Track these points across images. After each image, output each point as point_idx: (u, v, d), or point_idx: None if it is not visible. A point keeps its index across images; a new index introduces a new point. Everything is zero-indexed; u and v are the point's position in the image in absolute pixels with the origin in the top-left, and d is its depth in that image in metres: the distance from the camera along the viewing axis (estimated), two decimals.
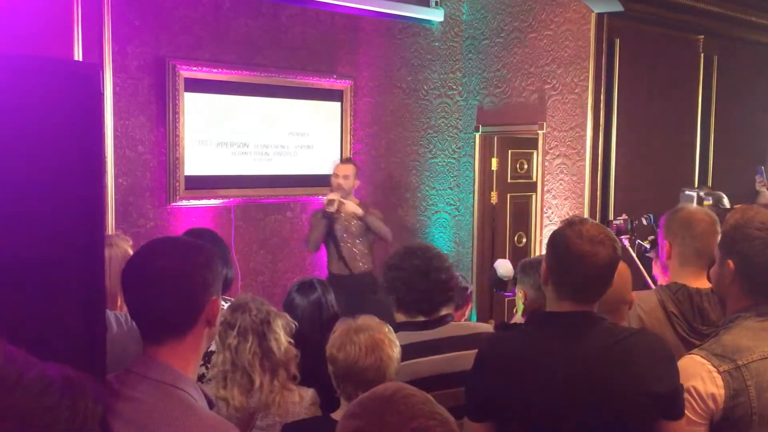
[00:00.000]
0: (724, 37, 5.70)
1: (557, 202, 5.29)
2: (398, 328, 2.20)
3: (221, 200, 4.84)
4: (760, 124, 6.20)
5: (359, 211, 4.58)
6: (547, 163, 5.36)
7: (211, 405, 1.40)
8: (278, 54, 5.00)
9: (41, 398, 0.90)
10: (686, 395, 1.67)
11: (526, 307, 2.47)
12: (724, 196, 4.39)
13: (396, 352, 1.94)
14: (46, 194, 1.23)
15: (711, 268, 1.94)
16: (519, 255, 5.58)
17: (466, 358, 1.83)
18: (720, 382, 1.66)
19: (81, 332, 1.27)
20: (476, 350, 1.77)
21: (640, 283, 3.43)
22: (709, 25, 5.55)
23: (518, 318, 2.56)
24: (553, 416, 1.63)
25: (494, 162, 5.97)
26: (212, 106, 4.76)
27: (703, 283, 2.16)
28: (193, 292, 1.34)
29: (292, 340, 2.21)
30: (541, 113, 5.36)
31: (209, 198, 4.79)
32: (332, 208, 4.50)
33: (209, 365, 2.23)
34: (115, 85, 4.33)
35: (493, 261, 4.54)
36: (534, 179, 5.86)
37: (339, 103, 5.34)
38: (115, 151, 4.34)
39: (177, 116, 4.57)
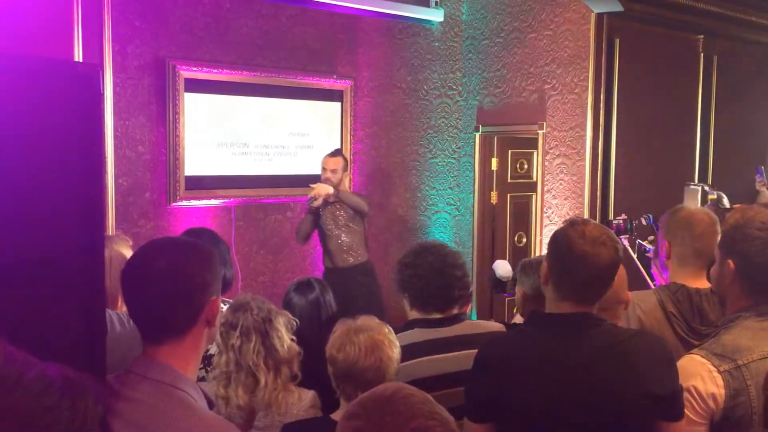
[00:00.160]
0: (724, 37, 5.70)
1: (557, 202, 5.29)
2: (412, 324, 2.22)
3: (221, 200, 4.84)
4: (760, 124, 6.20)
5: (330, 189, 4.50)
6: (547, 163, 5.36)
7: (211, 405, 1.40)
8: (278, 54, 5.00)
9: (41, 398, 0.90)
10: (686, 395, 1.67)
11: (520, 307, 2.47)
12: (724, 195, 4.40)
13: (396, 352, 1.94)
14: (46, 194, 1.23)
15: (711, 268, 1.94)
16: (519, 255, 5.58)
17: None
18: (720, 382, 1.66)
19: (81, 332, 1.27)
20: None
21: (639, 283, 3.44)
22: (709, 25, 5.55)
23: (518, 318, 2.56)
24: (553, 417, 1.63)
25: (494, 162, 5.97)
26: (212, 107, 4.76)
27: (702, 283, 2.16)
28: (192, 292, 1.34)
29: (294, 338, 2.21)
30: (541, 113, 5.36)
31: (209, 198, 4.79)
32: (317, 203, 4.50)
33: (209, 368, 2.23)
34: (115, 85, 4.33)
35: (493, 261, 4.54)
36: (534, 179, 5.86)
37: (339, 104, 5.34)
38: (115, 152, 4.34)
39: (177, 116, 4.57)
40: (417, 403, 0.97)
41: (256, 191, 4.98)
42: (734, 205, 3.79)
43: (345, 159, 4.74)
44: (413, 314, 2.26)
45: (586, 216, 4.89)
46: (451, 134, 6.04)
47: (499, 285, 3.28)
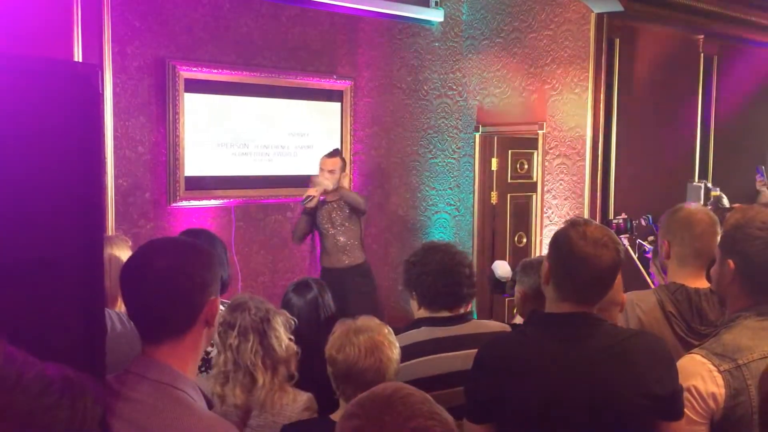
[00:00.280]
0: (724, 36, 5.70)
1: (557, 202, 5.29)
2: (419, 323, 2.22)
3: (221, 201, 4.84)
4: (760, 123, 6.20)
5: (329, 185, 4.49)
6: (547, 163, 5.36)
7: (210, 405, 1.40)
8: (278, 54, 5.00)
9: (41, 398, 0.90)
10: (686, 394, 1.67)
11: (520, 307, 2.47)
12: (724, 195, 4.40)
13: (396, 353, 1.94)
14: (45, 194, 1.23)
15: (710, 268, 1.94)
16: (519, 255, 5.58)
17: None
18: (720, 382, 1.66)
19: (81, 332, 1.27)
20: None
21: (639, 283, 3.44)
22: (710, 25, 5.55)
23: (519, 320, 2.56)
24: (553, 417, 1.63)
25: (494, 162, 5.97)
26: (212, 107, 4.76)
27: (701, 283, 2.16)
28: (191, 292, 1.34)
29: (292, 337, 2.21)
30: (541, 113, 5.36)
31: (209, 198, 4.79)
32: (311, 204, 4.48)
33: (209, 372, 2.23)
34: (115, 85, 4.33)
35: (493, 261, 4.54)
36: (534, 179, 5.86)
37: (339, 104, 5.34)
38: (115, 152, 4.34)
39: (177, 117, 4.57)
40: (416, 402, 0.97)
41: (256, 191, 4.98)
42: (734, 205, 3.80)
43: (343, 160, 4.72)
44: (421, 313, 2.27)
45: (586, 216, 4.89)
46: (451, 134, 6.04)
47: (499, 286, 3.28)
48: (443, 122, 5.99)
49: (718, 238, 2.06)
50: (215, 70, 4.71)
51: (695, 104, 5.64)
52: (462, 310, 2.26)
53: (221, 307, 2.00)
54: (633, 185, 5.15)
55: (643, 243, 3.77)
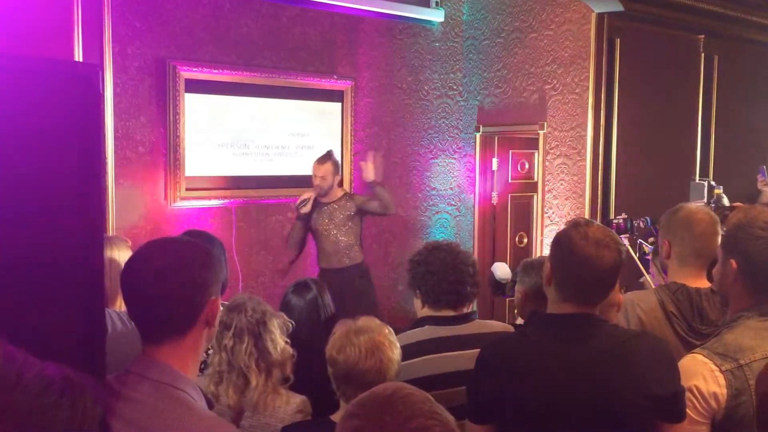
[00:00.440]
0: (724, 36, 5.70)
1: (558, 202, 5.29)
2: (423, 322, 2.23)
3: (222, 201, 4.84)
4: (761, 123, 6.20)
5: (371, 175, 4.42)
6: (547, 163, 5.36)
7: (210, 405, 1.40)
8: (278, 55, 5.00)
9: (41, 398, 0.90)
10: (688, 394, 1.67)
11: (520, 307, 2.47)
12: (724, 195, 4.40)
13: (396, 354, 1.93)
14: (46, 195, 1.23)
15: (711, 268, 1.94)
16: (520, 255, 5.57)
17: None
18: (722, 381, 1.66)
19: (81, 332, 1.27)
20: None
21: (640, 283, 3.43)
22: (710, 25, 5.55)
23: (520, 321, 2.56)
24: (554, 418, 1.62)
25: (495, 162, 5.97)
26: (213, 107, 4.76)
27: (702, 283, 2.16)
28: (192, 293, 1.34)
29: (288, 340, 2.20)
30: (542, 113, 5.36)
31: (210, 199, 4.79)
32: (305, 209, 4.40)
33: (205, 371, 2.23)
34: (115, 85, 4.33)
35: (494, 261, 4.53)
36: (535, 179, 5.86)
37: (339, 104, 5.34)
38: (115, 152, 4.34)
39: (177, 117, 4.57)
40: (417, 402, 0.97)
41: (257, 192, 4.98)
42: (734, 204, 3.79)
43: (335, 163, 4.55)
44: (424, 312, 2.28)
45: (586, 216, 4.89)
46: (451, 134, 6.04)
47: (499, 287, 3.27)
48: (444, 122, 5.99)
49: (719, 238, 2.06)
50: (216, 71, 4.71)
51: (696, 104, 5.63)
52: (465, 310, 2.27)
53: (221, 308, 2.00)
54: (634, 185, 5.15)
55: (644, 243, 3.77)
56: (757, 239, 1.72)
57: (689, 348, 1.88)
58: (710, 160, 5.76)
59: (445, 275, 2.23)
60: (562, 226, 1.78)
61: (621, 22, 5.00)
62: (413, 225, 5.87)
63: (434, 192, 5.99)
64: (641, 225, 3.88)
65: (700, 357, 1.71)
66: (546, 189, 5.37)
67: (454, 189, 6.11)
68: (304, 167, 5.12)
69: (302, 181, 4.86)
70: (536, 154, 5.72)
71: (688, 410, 1.66)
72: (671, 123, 5.49)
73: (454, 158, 6.08)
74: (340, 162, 4.76)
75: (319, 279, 2.76)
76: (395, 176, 5.73)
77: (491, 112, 5.82)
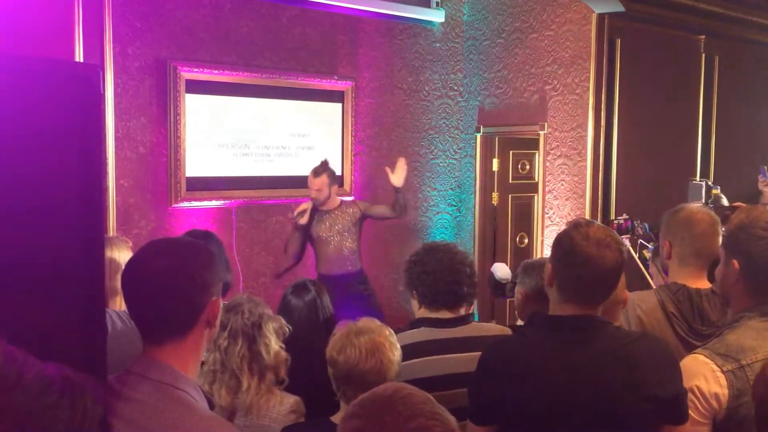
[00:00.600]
0: (725, 37, 5.70)
1: (559, 202, 5.28)
2: (419, 323, 2.22)
3: (223, 201, 4.84)
4: (762, 124, 6.19)
5: (400, 182, 4.43)
6: (548, 164, 5.36)
7: (211, 405, 1.40)
8: (279, 55, 5.00)
9: (41, 398, 0.90)
10: (689, 394, 1.66)
11: (521, 308, 2.46)
12: (723, 196, 4.40)
13: (396, 355, 1.93)
14: (46, 195, 1.23)
15: (713, 268, 1.94)
16: (521, 256, 5.58)
17: None
18: (723, 382, 1.66)
19: (81, 332, 1.27)
20: None
21: (641, 283, 3.43)
22: (711, 26, 5.55)
23: (520, 322, 2.55)
24: (556, 420, 1.62)
25: (495, 163, 5.97)
26: (213, 107, 4.76)
27: (702, 283, 2.15)
28: (193, 293, 1.34)
29: (283, 345, 2.20)
30: (542, 114, 5.36)
31: (210, 199, 4.79)
32: (303, 220, 4.33)
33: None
34: (116, 86, 4.33)
35: (494, 262, 4.53)
36: (535, 180, 5.86)
37: (340, 104, 5.34)
38: (116, 153, 4.35)
39: (178, 117, 4.57)
40: (417, 403, 0.97)
41: (257, 192, 4.98)
42: (734, 204, 3.79)
43: (331, 174, 4.46)
44: (421, 313, 2.27)
45: (587, 216, 4.89)
46: (452, 135, 6.04)
47: (499, 288, 3.26)
48: (444, 123, 5.98)
49: (719, 238, 2.06)
50: (216, 71, 4.71)
51: (696, 105, 5.63)
52: (463, 311, 2.26)
53: None
54: (634, 186, 5.14)
55: (645, 243, 3.77)
56: (759, 240, 1.72)
57: (689, 348, 1.88)
58: (711, 160, 5.76)
59: (441, 276, 2.23)
60: (563, 227, 1.77)
61: (621, 22, 5.00)
62: (414, 225, 5.87)
63: (435, 192, 5.99)
64: (639, 231, 3.89)
65: (701, 357, 1.71)
66: (546, 189, 5.37)
67: (455, 189, 6.11)
68: (304, 168, 5.11)
69: (303, 182, 4.85)
70: (537, 155, 5.72)
71: (689, 411, 1.66)
72: (672, 123, 5.48)
73: (455, 159, 6.08)
74: (335, 172, 4.63)
75: (317, 281, 2.76)
76: None
77: (492, 113, 5.82)
